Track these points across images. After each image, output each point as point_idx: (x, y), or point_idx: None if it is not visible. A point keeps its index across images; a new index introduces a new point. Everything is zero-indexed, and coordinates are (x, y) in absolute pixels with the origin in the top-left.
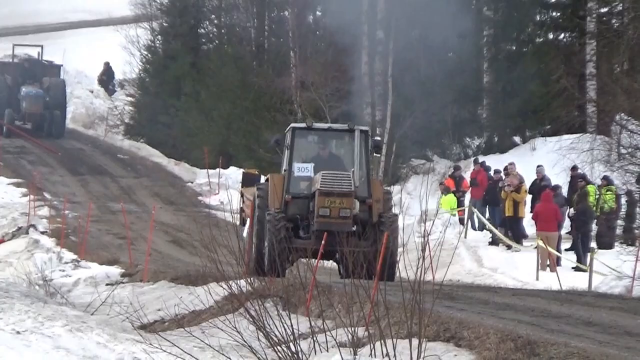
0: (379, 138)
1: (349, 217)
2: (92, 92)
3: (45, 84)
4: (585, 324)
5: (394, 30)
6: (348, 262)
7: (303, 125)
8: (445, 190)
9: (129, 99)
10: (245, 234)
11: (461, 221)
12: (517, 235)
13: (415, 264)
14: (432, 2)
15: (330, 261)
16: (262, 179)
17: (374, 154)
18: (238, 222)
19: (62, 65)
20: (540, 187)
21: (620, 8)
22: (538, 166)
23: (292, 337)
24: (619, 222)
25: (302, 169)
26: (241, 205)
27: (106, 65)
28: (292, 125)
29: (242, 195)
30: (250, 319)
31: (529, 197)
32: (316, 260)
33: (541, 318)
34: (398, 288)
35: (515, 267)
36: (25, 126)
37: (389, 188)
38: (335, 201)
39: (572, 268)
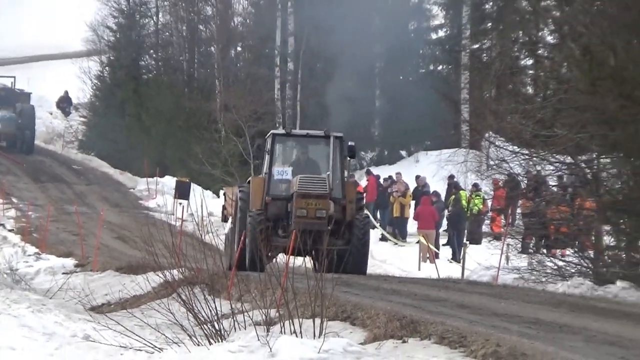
0: (352, 143)
1: (325, 218)
2: (51, 113)
3: (17, 108)
4: (459, 307)
5: (302, 63)
6: (323, 258)
7: (282, 131)
8: None
9: (82, 119)
10: (227, 230)
11: None
12: (403, 232)
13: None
14: (333, 39)
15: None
16: (192, 185)
17: (348, 158)
18: (220, 219)
19: (31, 93)
20: (422, 192)
21: (489, 45)
22: (419, 176)
23: (216, 317)
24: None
25: (282, 172)
26: (223, 204)
27: (65, 92)
28: (273, 131)
29: (224, 195)
30: (182, 302)
31: (413, 202)
32: (293, 257)
33: (422, 301)
34: (304, 277)
35: (401, 259)
36: (1, 144)
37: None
38: (312, 203)
39: (448, 260)
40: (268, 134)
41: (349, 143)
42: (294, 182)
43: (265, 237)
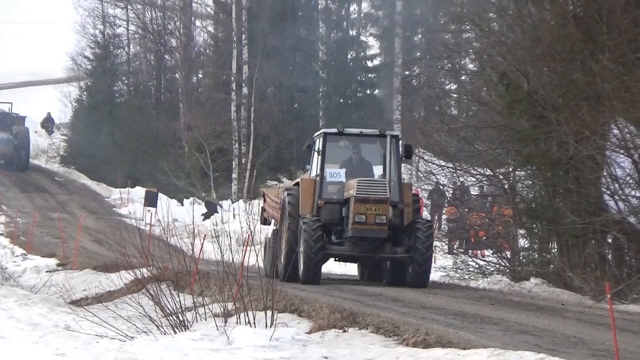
0: (409, 143)
1: (385, 224)
2: (36, 132)
3: (14, 131)
4: (392, 300)
5: (255, 87)
6: (384, 267)
7: (334, 130)
8: None
9: (63, 137)
10: (270, 234)
11: None
12: None
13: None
14: (281, 66)
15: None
16: (159, 195)
17: (404, 159)
18: (259, 222)
19: (26, 117)
20: None
21: (418, 71)
22: None
23: (180, 310)
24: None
25: (335, 174)
26: (262, 205)
27: (49, 114)
28: (324, 130)
29: (264, 196)
30: (150, 297)
31: None
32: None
33: (360, 296)
34: (257, 274)
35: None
36: None
37: (417, 193)
38: (371, 208)
39: None
40: (318, 133)
41: (405, 143)
42: (351, 185)
43: (322, 246)
